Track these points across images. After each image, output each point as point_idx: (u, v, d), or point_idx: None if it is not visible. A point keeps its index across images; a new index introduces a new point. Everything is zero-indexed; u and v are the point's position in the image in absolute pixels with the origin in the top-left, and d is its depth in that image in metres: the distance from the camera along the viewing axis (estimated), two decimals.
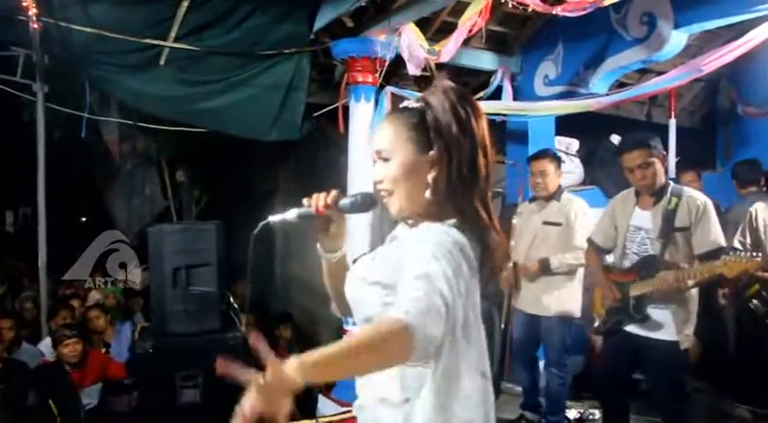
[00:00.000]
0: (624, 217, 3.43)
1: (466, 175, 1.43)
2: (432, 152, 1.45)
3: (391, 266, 1.41)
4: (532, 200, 4.43)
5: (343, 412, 4.01)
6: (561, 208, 4.14)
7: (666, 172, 3.37)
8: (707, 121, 7.43)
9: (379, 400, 1.47)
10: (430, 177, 1.45)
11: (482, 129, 1.47)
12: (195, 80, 4.70)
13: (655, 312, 3.26)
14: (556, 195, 4.25)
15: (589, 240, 3.71)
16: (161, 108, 4.96)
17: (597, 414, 4.21)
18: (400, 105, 1.57)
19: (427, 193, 1.46)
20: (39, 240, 5.29)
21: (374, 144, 1.53)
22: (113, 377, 4.57)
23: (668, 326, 3.24)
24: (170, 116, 5.27)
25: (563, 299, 4.15)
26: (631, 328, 3.36)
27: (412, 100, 1.54)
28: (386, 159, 1.49)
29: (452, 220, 1.44)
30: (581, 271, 4.16)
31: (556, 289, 4.13)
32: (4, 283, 6.95)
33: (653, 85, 4.53)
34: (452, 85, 1.50)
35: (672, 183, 3.33)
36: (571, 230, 4.09)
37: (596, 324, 3.61)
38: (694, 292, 3.26)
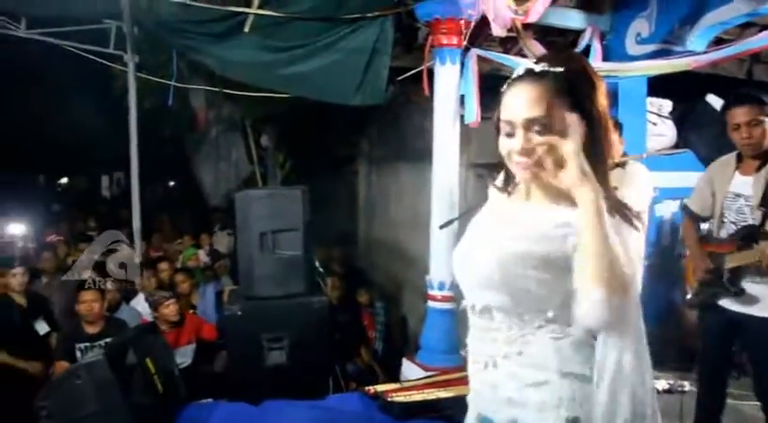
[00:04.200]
0: (722, 183, 3.21)
1: (604, 145, 1.42)
2: (577, 121, 1.40)
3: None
4: None
5: (427, 376, 4.03)
6: None
7: None
8: None
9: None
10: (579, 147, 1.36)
11: (605, 99, 1.46)
12: (279, 46, 4.72)
13: (751, 286, 3.06)
14: None
15: (685, 207, 3.52)
16: (247, 75, 5.02)
17: (687, 386, 4.06)
18: (536, 70, 1.43)
19: (583, 161, 1.34)
20: (132, 206, 5.51)
21: (519, 112, 1.40)
22: (206, 338, 4.76)
23: (765, 301, 3.02)
24: (255, 82, 5.33)
25: None
26: (725, 303, 3.16)
27: (542, 65, 1.43)
28: (541, 127, 1.38)
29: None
30: None
31: None
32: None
33: (758, 41, 4.21)
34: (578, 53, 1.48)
35: None
36: None
37: (689, 296, 3.44)
38: None
